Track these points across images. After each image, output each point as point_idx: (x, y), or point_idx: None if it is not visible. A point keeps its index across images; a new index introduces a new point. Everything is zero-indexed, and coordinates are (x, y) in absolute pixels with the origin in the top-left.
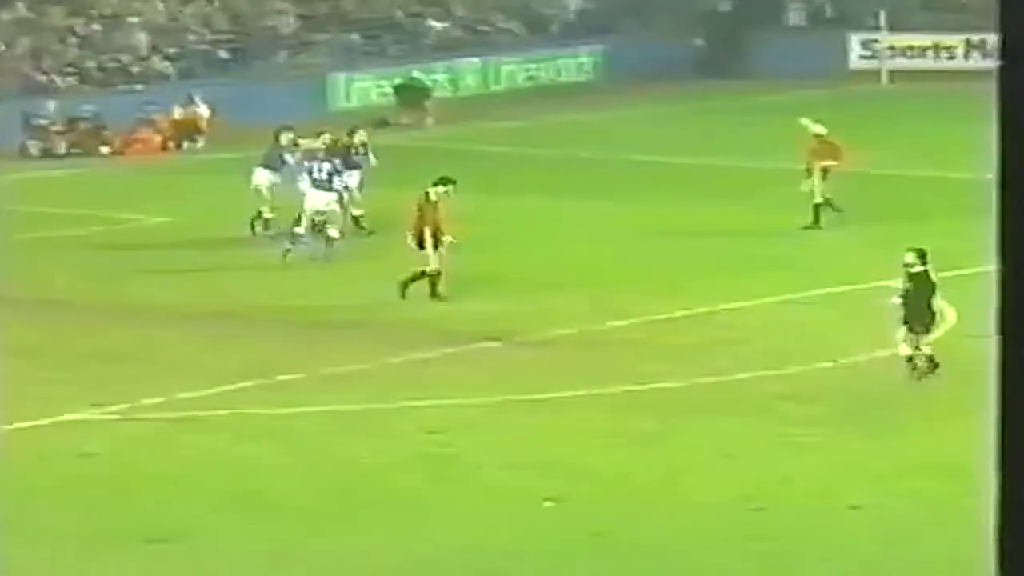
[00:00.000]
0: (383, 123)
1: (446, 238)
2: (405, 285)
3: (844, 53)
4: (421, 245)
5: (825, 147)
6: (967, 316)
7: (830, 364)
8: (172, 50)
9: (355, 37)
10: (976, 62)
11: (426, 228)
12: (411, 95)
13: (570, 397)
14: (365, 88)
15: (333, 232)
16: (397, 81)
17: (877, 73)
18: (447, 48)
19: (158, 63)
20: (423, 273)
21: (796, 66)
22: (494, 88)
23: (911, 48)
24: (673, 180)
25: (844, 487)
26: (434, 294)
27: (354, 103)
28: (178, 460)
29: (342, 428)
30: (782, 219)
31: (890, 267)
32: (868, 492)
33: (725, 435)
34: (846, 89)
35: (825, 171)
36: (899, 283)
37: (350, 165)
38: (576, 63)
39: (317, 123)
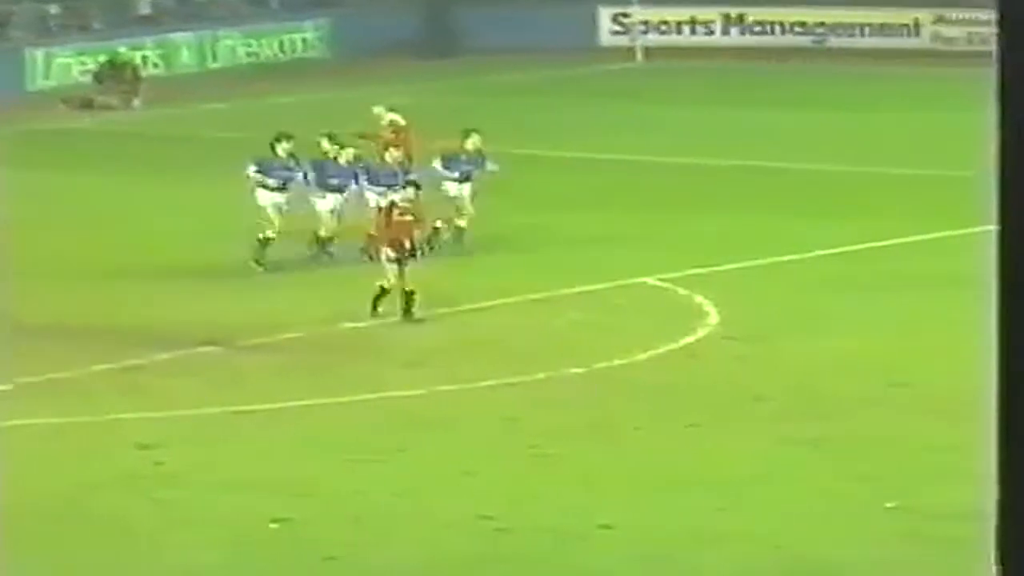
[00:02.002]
0: (86, 104)
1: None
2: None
3: (593, 28)
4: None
5: (400, 138)
6: (727, 316)
7: (583, 370)
8: None
9: (53, 9)
10: (735, 38)
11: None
12: (117, 73)
13: (297, 407)
14: (65, 65)
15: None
16: (102, 57)
17: (631, 50)
18: (158, 21)
19: None
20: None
21: (541, 41)
22: (212, 65)
23: (665, 23)
24: None
25: (595, 504)
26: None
27: (53, 82)
28: None
29: (40, 444)
30: (525, 212)
31: (643, 263)
32: (621, 510)
33: (467, 448)
34: (596, 68)
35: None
36: (653, 279)
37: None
38: (300, 38)
39: (13, 105)
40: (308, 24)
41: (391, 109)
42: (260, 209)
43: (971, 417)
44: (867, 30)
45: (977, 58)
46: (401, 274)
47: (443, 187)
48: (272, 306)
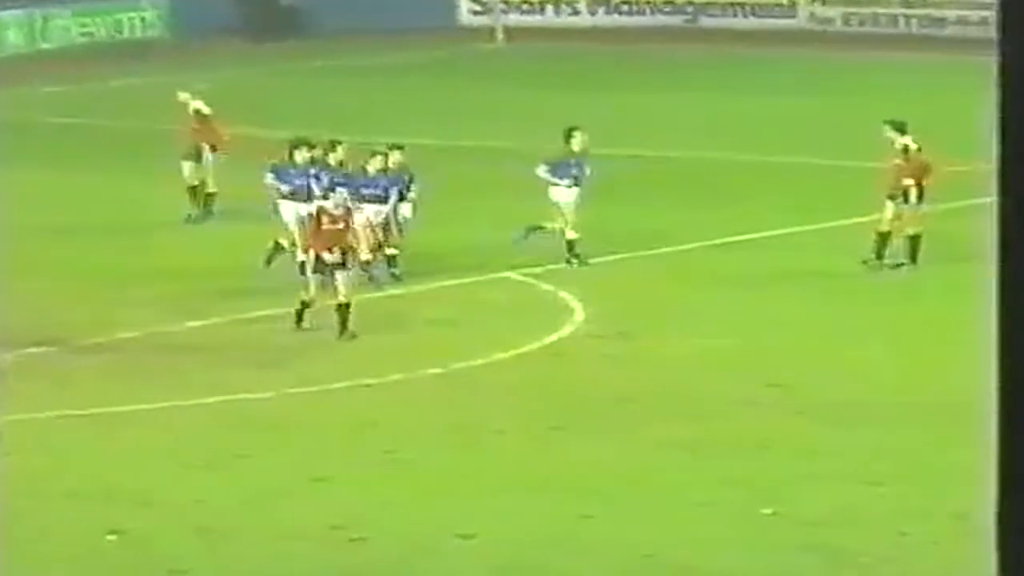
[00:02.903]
0: None
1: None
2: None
3: (452, 7)
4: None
5: (205, 127)
6: (594, 313)
7: (441, 370)
8: None
9: None
10: (601, 18)
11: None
12: None
13: (136, 411)
14: None
15: None
16: None
17: (491, 30)
18: None
19: None
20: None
21: (398, 22)
22: (43, 46)
23: (528, 3)
24: None
25: (455, 512)
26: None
27: None
28: None
29: None
30: None
31: (505, 256)
32: (482, 518)
33: (318, 454)
34: (455, 49)
35: (214, 148)
36: (515, 274)
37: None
38: (139, 17)
39: None
40: (146, 3)
41: (196, 95)
42: (282, 223)
43: (849, 419)
44: (740, 10)
45: (854, 41)
46: (333, 287)
47: (549, 194)
48: (110, 305)
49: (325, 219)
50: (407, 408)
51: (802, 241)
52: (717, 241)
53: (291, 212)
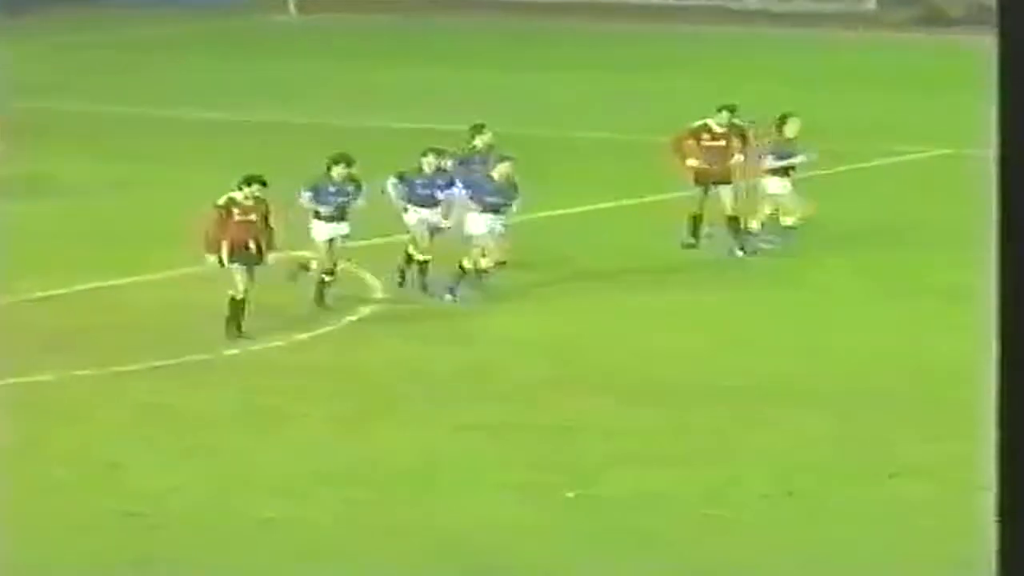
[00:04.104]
0: None
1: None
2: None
3: None
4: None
5: None
6: (395, 293)
7: (237, 351)
8: None
9: None
10: None
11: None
12: None
13: None
14: None
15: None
16: None
17: (283, 2)
18: None
19: None
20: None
21: None
22: None
23: None
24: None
25: (254, 497)
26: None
27: None
28: None
29: None
30: (188, 176)
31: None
32: (281, 503)
33: (109, 439)
34: (242, 21)
35: None
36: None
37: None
38: None
39: None
40: None
41: None
42: (313, 245)
43: (653, 400)
44: None
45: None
46: (251, 280)
47: (761, 184)
48: None
49: (236, 211)
50: (202, 391)
51: (604, 218)
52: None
53: (324, 232)
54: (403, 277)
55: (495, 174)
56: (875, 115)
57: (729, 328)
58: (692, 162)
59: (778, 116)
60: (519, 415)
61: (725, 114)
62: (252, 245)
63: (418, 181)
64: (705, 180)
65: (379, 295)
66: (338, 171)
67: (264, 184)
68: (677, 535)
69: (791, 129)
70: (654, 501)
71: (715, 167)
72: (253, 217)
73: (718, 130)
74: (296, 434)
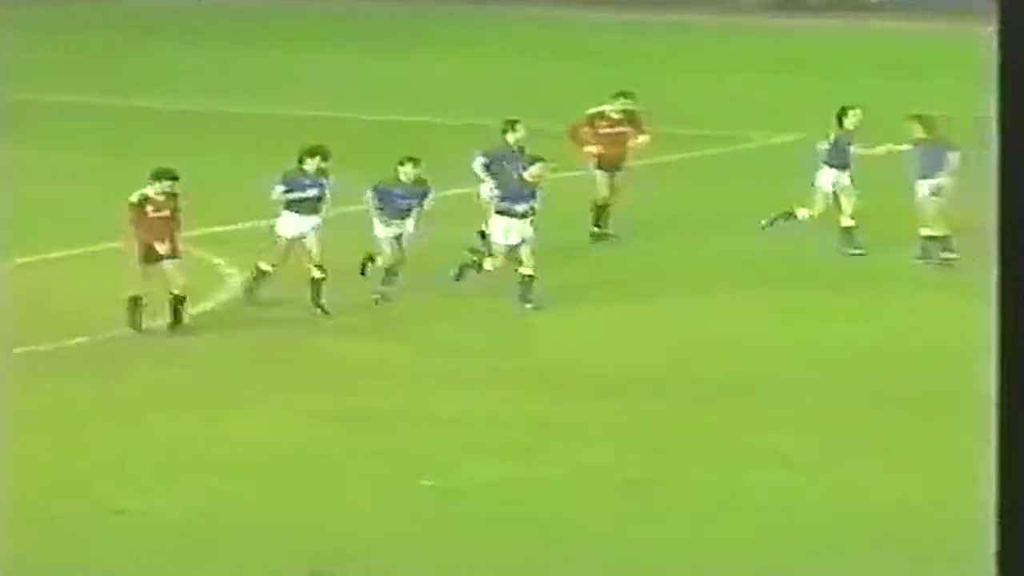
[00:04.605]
0: None
1: None
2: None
3: None
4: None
5: None
6: (247, 281)
7: (85, 339)
8: None
9: None
10: None
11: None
12: None
13: None
14: None
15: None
16: None
17: None
18: None
19: None
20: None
21: None
22: None
23: None
24: None
25: (110, 488)
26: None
27: None
28: None
29: None
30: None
31: None
32: (137, 494)
33: None
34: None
35: None
36: None
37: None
38: None
39: None
40: None
41: None
42: (277, 240)
43: (508, 388)
44: None
45: None
46: (164, 278)
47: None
48: None
49: (150, 208)
50: (53, 380)
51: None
52: None
53: (293, 227)
54: (364, 270)
55: (527, 175)
56: (724, 100)
57: (602, 314)
58: (591, 148)
59: (839, 108)
60: (366, 403)
61: (621, 101)
62: (165, 243)
63: (397, 192)
64: (603, 165)
65: (234, 283)
66: (311, 164)
67: (175, 179)
68: (533, 522)
69: (851, 121)
70: (510, 489)
71: (612, 152)
72: (165, 213)
73: (615, 117)
74: (148, 424)
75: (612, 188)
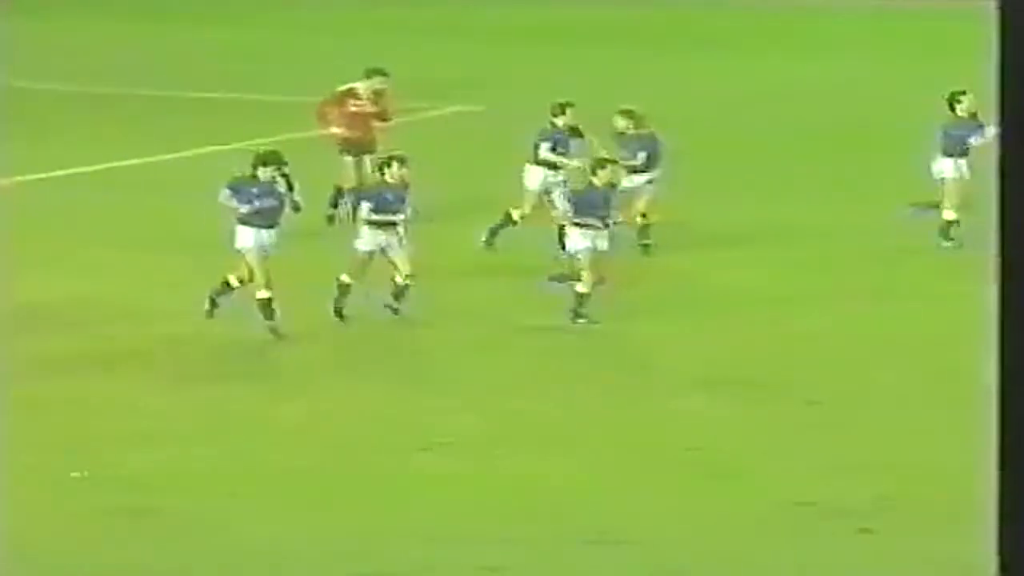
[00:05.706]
0: None
1: None
2: None
3: None
4: None
5: None
6: None
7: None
8: None
9: None
10: None
11: None
12: None
13: None
14: None
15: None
16: None
17: None
18: None
19: None
20: None
21: None
22: None
23: None
24: None
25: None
26: None
27: None
28: None
29: None
30: None
31: None
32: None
33: None
34: None
35: None
36: None
37: None
38: None
39: None
40: None
41: None
42: (238, 254)
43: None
44: None
45: None
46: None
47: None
48: None
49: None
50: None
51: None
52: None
53: (249, 239)
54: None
55: (596, 181)
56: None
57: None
58: (335, 130)
59: (950, 93)
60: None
61: (376, 78)
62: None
63: (388, 195)
64: (350, 149)
65: None
66: (265, 172)
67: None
68: (175, 513)
69: (965, 107)
70: (170, 479)
71: (358, 135)
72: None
73: (364, 95)
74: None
75: (361, 175)
